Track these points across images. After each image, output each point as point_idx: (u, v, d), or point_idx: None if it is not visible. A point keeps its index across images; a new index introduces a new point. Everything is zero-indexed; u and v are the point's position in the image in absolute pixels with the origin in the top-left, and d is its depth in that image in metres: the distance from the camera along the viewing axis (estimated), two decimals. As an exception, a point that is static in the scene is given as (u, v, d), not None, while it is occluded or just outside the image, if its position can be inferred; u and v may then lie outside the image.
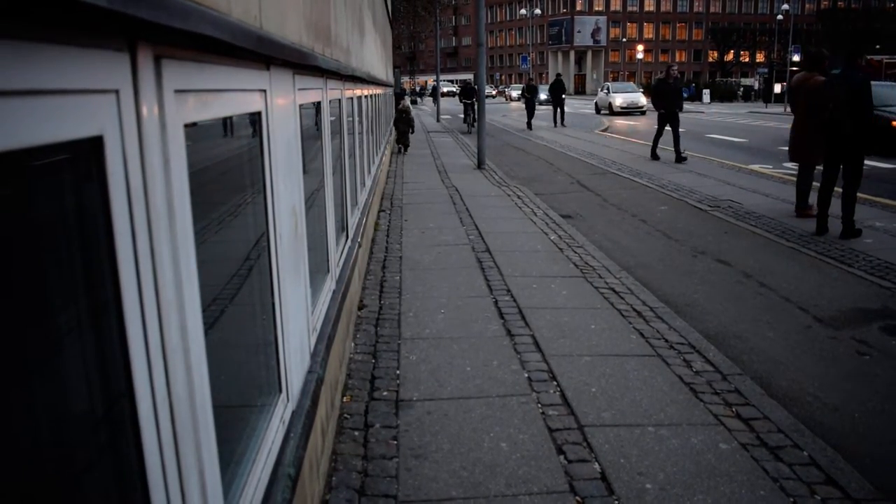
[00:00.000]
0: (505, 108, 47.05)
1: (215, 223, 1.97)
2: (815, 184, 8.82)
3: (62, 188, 1.02)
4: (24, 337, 0.92)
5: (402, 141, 17.54)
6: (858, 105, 7.82)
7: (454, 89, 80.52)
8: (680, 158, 15.28)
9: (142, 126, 1.14)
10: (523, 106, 28.49)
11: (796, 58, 42.92)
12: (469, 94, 25.93)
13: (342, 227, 4.61)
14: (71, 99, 0.94)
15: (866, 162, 8.22)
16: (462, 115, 27.70)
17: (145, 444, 1.13)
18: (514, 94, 63.96)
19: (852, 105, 7.83)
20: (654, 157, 15.91)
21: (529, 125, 26.54)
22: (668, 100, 15.56)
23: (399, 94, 22.89)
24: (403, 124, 17.51)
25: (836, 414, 4.06)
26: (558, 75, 29.96)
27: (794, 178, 9.97)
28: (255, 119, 2.06)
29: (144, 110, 1.15)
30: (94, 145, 1.00)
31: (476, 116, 18.43)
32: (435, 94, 36.94)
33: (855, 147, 7.92)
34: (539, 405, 3.84)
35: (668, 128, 15.45)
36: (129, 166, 1.09)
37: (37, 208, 0.95)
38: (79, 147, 0.97)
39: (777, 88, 45.26)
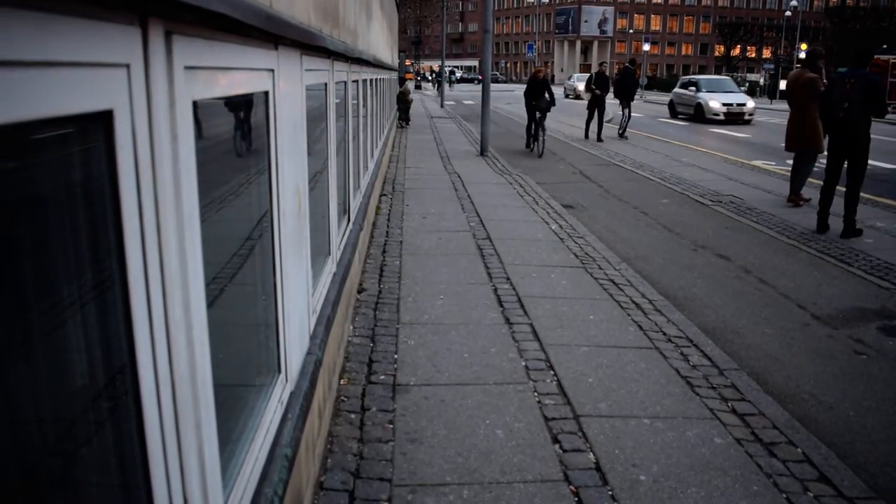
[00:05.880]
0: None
1: (217, 201, 1.96)
2: (812, 180, 8.90)
3: (72, 161, 1.01)
4: (29, 307, 0.92)
5: (404, 117, 21.45)
6: (874, 104, 7.82)
7: (463, 74, 79.39)
8: None
9: (151, 101, 1.13)
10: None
11: (802, 55, 42.78)
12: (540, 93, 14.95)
13: (344, 209, 4.60)
14: (82, 72, 0.93)
15: (868, 161, 8.20)
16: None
17: (146, 418, 1.13)
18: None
19: (867, 104, 7.81)
20: None
21: (600, 136, 18.12)
22: None
23: (401, 80, 24.78)
24: (403, 103, 21.51)
25: (832, 412, 4.07)
26: (632, 61, 20.39)
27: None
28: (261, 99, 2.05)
29: (154, 86, 1.14)
30: (105, 119, 1.00)
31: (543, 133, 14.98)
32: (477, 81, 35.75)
33: (863, 146, 7.90)
34: (536, 394, 3.85)
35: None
36: (138, 141, 1.08)
37: (46, 180, 0.94)
38: (89, 120, 0.96)
39: (783, 84, 45.11)
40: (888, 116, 19.82)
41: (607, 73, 19.10)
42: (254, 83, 1.94)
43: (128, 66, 1.05)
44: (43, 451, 0.98)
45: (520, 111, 30.61)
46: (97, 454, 1.14)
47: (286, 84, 2.28)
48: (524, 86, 16.55)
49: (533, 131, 15.54)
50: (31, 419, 0.95)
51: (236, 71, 1.75)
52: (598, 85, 18.18)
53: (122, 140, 1.03)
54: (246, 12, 1.53)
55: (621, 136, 18.81)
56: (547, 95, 14.79)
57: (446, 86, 51.58)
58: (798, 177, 9.88)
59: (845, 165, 8.07)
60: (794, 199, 9.87)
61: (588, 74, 20.04)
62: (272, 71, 2.08)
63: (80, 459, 1.09)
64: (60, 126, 0.91)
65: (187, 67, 1.29)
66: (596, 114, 18.15)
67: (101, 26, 0.97)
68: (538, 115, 14.89)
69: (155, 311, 1.15)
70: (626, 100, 18.97)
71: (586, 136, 18.54)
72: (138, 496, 1.16)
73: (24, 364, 0.91)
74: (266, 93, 2.05)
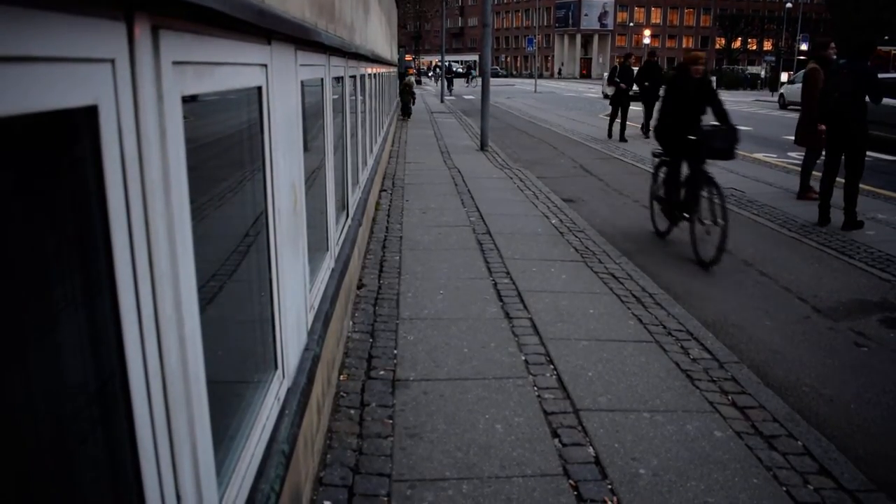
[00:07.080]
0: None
1: (217, 198, 1.95)
2: (816, 173, 8.92)
3: (56, 157, 1.00)
4: (15, 306, 0.91)
5: (406, 110, 22.20)
6: (870, 92, 7.81)
7: (461, 69, 79.38)
8: None
9: (138, 97, 1.12)
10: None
11: (804, 46, 42.70)
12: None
13: (342, 205, 4.59)
14: (65, 67, 0.92)
15: (869, 153, 8.19)
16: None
17: (136, 416, 1.13)
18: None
19: (861, 96, 7.80)
20: None
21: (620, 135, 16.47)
22: None
23: (401, 74, 24.78)
24: (406, 95, 22.36)
25: (832, 405, 4.06)
26: (653, 52, 18.18)
27: (798, 168, 10.18)
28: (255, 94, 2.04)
29: (141, 81, 1.13)
30: (89, 114, 0.99)
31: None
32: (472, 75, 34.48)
33: (859, 137, 7.89)
34: (535, 388, 3.84)
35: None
36: (125, 137, 1.08)
37: (30, 177, 0.93)
38: (73, 116, 0.95)
39: (784, 77, 44.84)
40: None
41: (632, 66, 17.07)
42: (246, 78, 1.93)
43: (112, 61, 1.04)
44: (30, 449, 0.97)
45: (518, 105, 30.63)
46: (86, 451, 1.14)
47: (280, 79, 2.27)
48: (524, 80, 14.98)
49: (680, 198, 7.11)
50: (18, 416, 0.94)
51: (228, 66, 1.73)
52: (622, 78, 16.61)
53: (107, 135, 1.02)
54: (236, 7, 1.52)
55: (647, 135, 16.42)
56: (714, 115, 6.70)
57: (463, 83, 50.32)
58: (804, 172, 9.89)
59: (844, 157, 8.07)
60: (807, 193, 9.75)
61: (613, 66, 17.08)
62: (265, 66, 2.07)
63: (69, 456, 1.09)
64: (44, 121, 0.90)
65: (175, 62, 1.28)
66: (620, 110, 16.54)
67: (85, 21, 0.96)
68: (697, 160, 6.73)
69: (144, 308, 1.14)
70: (649, 100, 16.13)
71: (609, 135, 16.89)
72: (129, 493, 1.15)
73: (10, 361, 0.91)
74: (259, 88, 2.04)
